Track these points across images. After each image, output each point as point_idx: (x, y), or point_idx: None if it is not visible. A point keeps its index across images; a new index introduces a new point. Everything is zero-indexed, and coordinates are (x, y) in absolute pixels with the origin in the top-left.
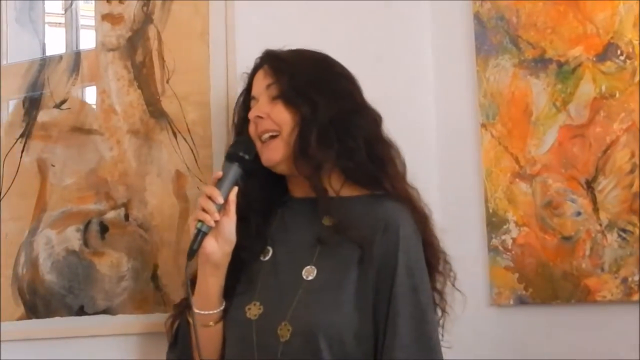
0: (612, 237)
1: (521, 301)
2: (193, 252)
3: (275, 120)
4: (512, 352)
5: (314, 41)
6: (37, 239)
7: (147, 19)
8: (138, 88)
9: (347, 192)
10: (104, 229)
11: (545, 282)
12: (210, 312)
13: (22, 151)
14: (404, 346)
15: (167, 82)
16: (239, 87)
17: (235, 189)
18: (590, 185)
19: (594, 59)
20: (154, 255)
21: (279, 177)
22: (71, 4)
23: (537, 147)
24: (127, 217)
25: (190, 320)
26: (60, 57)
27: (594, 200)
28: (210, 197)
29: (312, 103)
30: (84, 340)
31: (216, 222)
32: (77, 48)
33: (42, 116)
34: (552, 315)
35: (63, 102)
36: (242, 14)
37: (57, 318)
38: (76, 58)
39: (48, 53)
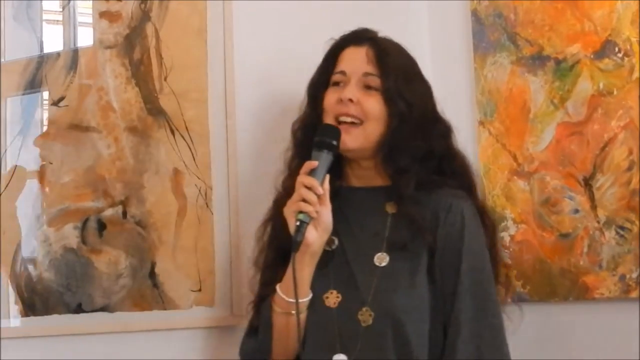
0: (610, 235)
1: (519, 298)
2: (298, 244)
3: (364, 109)
4: (510, 349)
5: (312, 38)
6: (35, 237)
7: (145, 16)
8: (136, 85)
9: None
10: (101, 226)
11: (543, 279)
12: (304, 299)
13: (20, 148)
14: (467, 324)
15: (165, 79)
16: (237, 85)
17: (328, 177)
18: (588, 183)
19: (592, 56)
20: (152, 253)
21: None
22: (69, 2)
23: (534, 144)
24: (125, 214)
25: (277, 309)
26: (58, 54)
27: (591, 198)
28: (310, 188)
29: (408, 103)
30: (82, 338)
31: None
32: (74, 45)
33: (40, 113)
34: (550, 313)
35: (61, 99)
36: (239, 11)
37: (55, 316)
38: (74, 55)
39: (46, 50)
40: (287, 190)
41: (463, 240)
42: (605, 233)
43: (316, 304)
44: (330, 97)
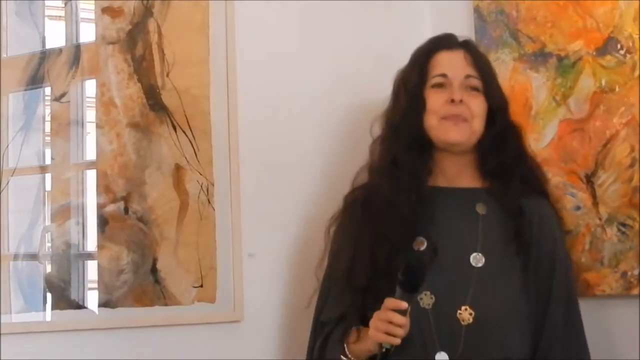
0: (612, 231)
1: None
2: None
3: (471, 109)
4: None
5: (315, 36)
6: (37, 232)
7: (147, 12)
8: (138, 81)
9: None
10: (104, 222)
11: None
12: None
13: (22, 144)
14: (561, 331)
15: (167, 75)
16: (239, 81)
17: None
18: (589, 180)
19: (594, 53)
20: (153, 249)
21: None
22: None
23: (536, 141)
24: (126, 210)
25: None
26: (60, 50)
27: (593, 195)
28: (398, 325)
29: (503, 103)
30: (84, 334)
31: None
32: (77, 41)
33: (42, 109)
34: None
35: (63, 95)
36: (242, 7)
37: (56, 311)
38: (76, 51)
39: (48, 46)
40: (367, 192)
41: (556, 247)
42: (607, 230)
43: (411, 305)
44: (436, 99)
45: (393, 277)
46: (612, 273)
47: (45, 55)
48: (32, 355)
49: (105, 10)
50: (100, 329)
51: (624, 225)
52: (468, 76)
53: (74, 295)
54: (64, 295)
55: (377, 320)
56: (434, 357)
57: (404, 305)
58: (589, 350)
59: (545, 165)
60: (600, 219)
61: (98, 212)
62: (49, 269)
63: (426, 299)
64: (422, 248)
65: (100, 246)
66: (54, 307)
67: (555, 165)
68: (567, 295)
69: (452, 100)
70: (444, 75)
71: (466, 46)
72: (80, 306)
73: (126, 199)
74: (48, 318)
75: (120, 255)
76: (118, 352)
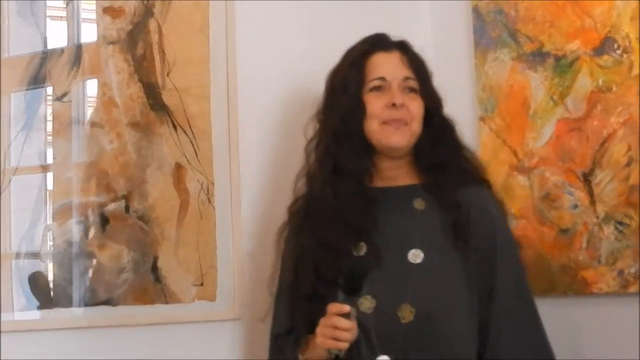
0: (609, 230)
1: None
2: None
3: (411, 112)
4: None
5: (314, 35)
6: (39, 231)
7: (148, 12)
8: (139, 81)
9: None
10: (104, 221)
11: (543, 274)
12: None
13: (24, 143)
14: (509, 322)
15: (168, 75)
16: (239, 81)
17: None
18: (587, 178)
19: (592, 52)
20: (154, 247)
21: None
22: None
23: (535, 140)
24: (127, 209)
25: None
26: (62, 50)
27: (591, 193)
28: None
29: (438, 102)
30: (85, 331)
31: None
32: (78, 41)
33: (44, 109)
34: (549, 308)
35: (64, 94)
36: (242, 7)
37: (58, 309)
38: (77, 51)
39: (49, 46)
40: (310, 201)
41: (496, 236)
42: (604, 228)
43: (355, 308)
44: (376, 103)
45: (337, 284)
46: (610, 271)
47: (46, 55)
48: (33, 353)
49: (106, 11)
50: (102, 326)
51: (621, 223)
52: (406, 78)
53: (75, 294)
54: (65, 293)
55: (323, 327)
56: None
57: (347, 308)
58: (551, 348)
59: (543, 163)
60: (597, 218)
61: (99, 210)
62: (50, 267)
63: (367, 303)
64: (362, 253)
65: (101, 245)
66: (55, 306)
67: (553, 164)
68: (514, 288)
69: (393, 105)
70: (382, 79)
71: (402, 47)
72: (82, 304)
73: (127, 198)
74: (49, 316)
75: (121, 253)
76: (119, 350)
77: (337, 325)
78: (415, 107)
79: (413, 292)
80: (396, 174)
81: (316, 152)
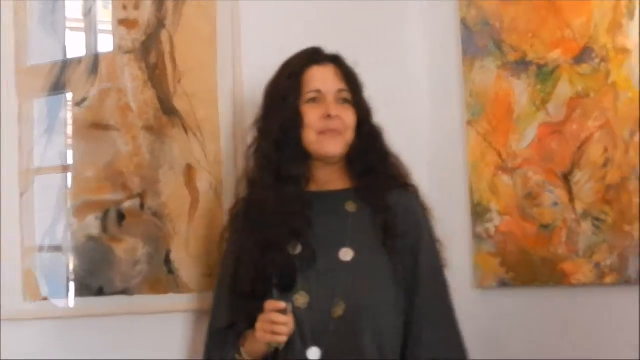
0: (587, 225)
1: (503, 284)
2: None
3: (345, 122)
4: (494, 330)
5: (317, 43)
6: (60, 227)
7: (160, 23)
8: (152, 87)
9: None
10: (121, 217)
11: (525, 266)
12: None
13: (46, 146)
14: (430, 323)
15: (179, 82)
16: (245, 86)
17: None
18: (566, 178)
19: (571, 61)
20: (166, 241)
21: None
22: (90, 10)
23: (518, 142)
24: (142, 206)
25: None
26: (80, 59)
27: (570, 192)
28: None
29: (368, 112)
30: (104, 319)
31: None
32: (95, 51)
33: (64, 113)
34: (531, 297)
35: (83, 100)
36: (247, 17)
37: (78, 298)
38: (95, 60)
39: (69, 55)
40: (251, 204)
41: (422, 237)
42: (582, 224)
43: (290, 305)
44: (313, 114)
45: (272, 281)
46: (587, 263)
47: (66, 64)
48: (56, 339)
49: (121, 22)
50: (119, 314)
51: (597, 219)
52: (340, 90)
53: (94, 284)
54: (84, 283)
55: (262, 322)
56: (307, 354)
57: (282, 305)
58: (464, 342)
59: (526, 164)
60: (576, 214)
61: (116, 207)
62: (71, 260)
63: (301, 299)
64: (297, 252)
65: (118, 239)
66: (76, 295)
67: (535, 164)
68: (434, 286)
69: (329, 116)
70: (318, 91)
71: (335, 61)
72: (100, 293)
73: (142, 196)
74: (71, 304)
75: (136, 247)
76: (135, 336)
77: (275, 320)
78: (349, 117)
79: (343, 288)
80: (330, 179)
81: (255, 158)
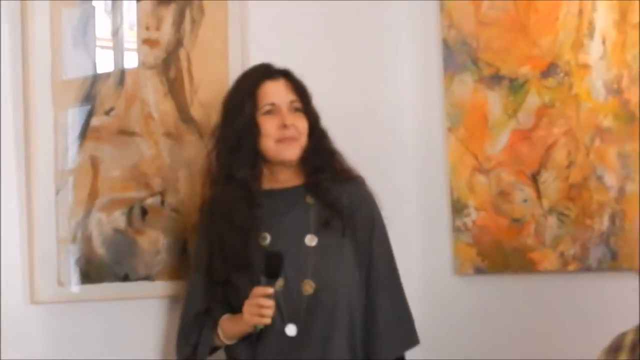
0: (552, 219)
1: (479, 271)
2: (255, 343)
3: (298, 129)
4: (471, 310)
5: (315, 63)
6: (91, 220)
7: (179, 43)
8: (171, 99)
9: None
10: (144, 212)
11: (499, 255)
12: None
13: (78, 149)
14: (383, 291)
15: (195, 93)
16: None
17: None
18: (535, 178)
19: (539, 75)
20: (184, 234)
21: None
22: (117, 31)
23: (492, 147)
24: (162, 202)
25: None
26: (109, 74)
27: (537, 190)
28: (267, 307)
29: (317, 118)
30: (129, 302)
31: None
32: (122, 66)
33: (94, 121)
34: (503, 282)
35: (111, 110)
36: (255, 35)
37: (105, 284)
38: (121, 75)
39: (99, 71)
40: (214, 202)
41: (374, 222)
42: (549, 218)
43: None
44: (270, 125)
45: (246, 270)
46: (553, 253)
47: (96, 78)
48: (87, 320)
49: (145, 42)
50: (143, 298)
51: (562, 214)
52: (292, 101)
53: (120, 271)
54: (112, 271)
55: (250, 306)
56: (284, 330)
57: (270, 290)
58: (411, 313)
59: (499, 166)
60: (543, 210)
61: (139, 204)
62: (100, 249)
63: (278, 283)
64: (267, 241)
65: (141, 232)
66: (104, 281)
67: (507, 166)
68: (386, 265)
69: (285, 125)
70: (272, 104)
71: (286, 75)
72: (125, 279)
73: (162, 194)
74: (99, 290)
75: (157, 239)
76: (157, 318)
77: (262, 304)
78: (302, 124)
79: (312, 270)
80: (289, 178)
81: (215, 161)
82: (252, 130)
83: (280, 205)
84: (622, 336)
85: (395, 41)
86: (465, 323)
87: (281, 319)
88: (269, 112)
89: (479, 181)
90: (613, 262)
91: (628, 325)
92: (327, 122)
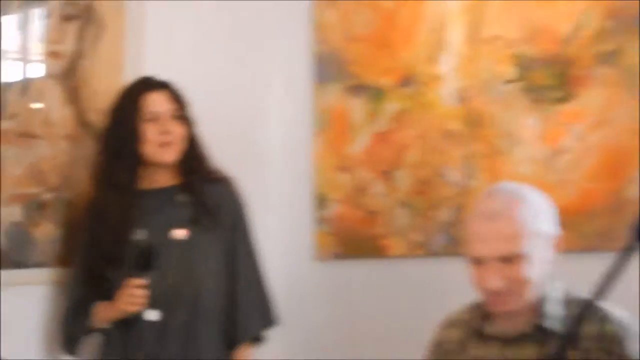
0: (403, 211)
1: (337, 257)
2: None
3: (177, 134)
4: (331, 292)
5: (198, 74)
6: None
7: (80, 55)
8: (71, 105)
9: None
10: (41, 206)
11: (354, 242)
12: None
13: None
14: (245, 279)
15: (93, 101)
16: None
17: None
18: (390, 175)
19: (398, 85)
20: (77, 226)
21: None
22: (24, 44)
23: (353, 148)
24: (58, 198)
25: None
26: (16, 82)
27: (391, 185)
28: (138, 296)
29: (192, 123)
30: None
31: None
32: (28, 76)
33: (2, 125)
34: (359, 266)
35: (15, 115)
36: (151, 49)
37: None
38: (27, 83)
39: (6, 80)
40: (94, 201)
41: (239, 217)
42: (399, 210)
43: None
44: (152, 131)
45: (120, 264)
46: (402, 240)
47: (3, 87)
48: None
49: (50, 54)
50: (37, 284)
51: (411, 206)
52: (171, 109)
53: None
54: (8, 258)
55: (124, 296)
56: (147, 316)
57: (143, 282)
58: (273, 305)
59: (359, 164)
60: (395, 202)
61: (38, 199)
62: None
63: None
64: (140, 237)
65: (38, 223)
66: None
67: (366, 164)
68: (248, 256)
69: (165, 131)
70: (154, 112)
71: (167, 86)
72: (20, 266)
73: (58, 190)
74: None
75: (52, 230)
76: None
77: (134, 294)
78: (180, 130)
79: (178, 262)
80: (166, 178)
81: (100, 166)
82: (134, 137)
83: (155, 203)
84: (455, 313)
85: (272, 55)
86: (324, 303)
87: (149, 306)
88: (150, 120)
89: (342, 178)
90: (453, 248)
91: (463, 303)
92: (205, 127)
